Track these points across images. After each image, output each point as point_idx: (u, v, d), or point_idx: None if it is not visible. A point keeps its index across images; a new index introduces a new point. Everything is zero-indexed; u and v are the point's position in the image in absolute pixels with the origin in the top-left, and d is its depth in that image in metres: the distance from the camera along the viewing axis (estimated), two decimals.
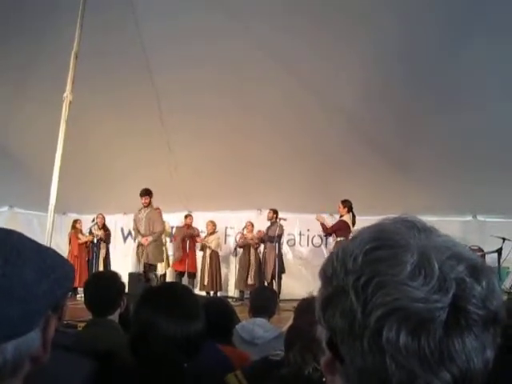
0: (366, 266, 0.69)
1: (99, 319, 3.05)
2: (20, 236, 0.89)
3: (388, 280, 0.66)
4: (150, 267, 10.38)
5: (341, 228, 9.11)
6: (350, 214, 9.35)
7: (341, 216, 9.47)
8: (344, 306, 0.69)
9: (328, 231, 9.69)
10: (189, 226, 12.16)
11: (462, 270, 0.67)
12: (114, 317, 3.08)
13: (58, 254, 0.95)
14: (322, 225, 9.66)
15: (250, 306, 4.27)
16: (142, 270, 10.35)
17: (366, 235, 0.73)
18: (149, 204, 10.53)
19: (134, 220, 10.77)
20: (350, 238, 0.77)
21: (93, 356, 2.13)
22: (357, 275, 0.68)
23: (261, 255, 11.61)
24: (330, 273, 0.74)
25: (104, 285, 3.13)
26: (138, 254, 10.59)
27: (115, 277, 3.28)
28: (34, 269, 0.83)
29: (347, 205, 9.35)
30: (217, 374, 2.44)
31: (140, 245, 10.45)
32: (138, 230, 10.60)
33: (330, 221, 10.21)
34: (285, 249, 12.10)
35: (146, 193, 10.42)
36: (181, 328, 1.88)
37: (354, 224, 9.31)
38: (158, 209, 10.94)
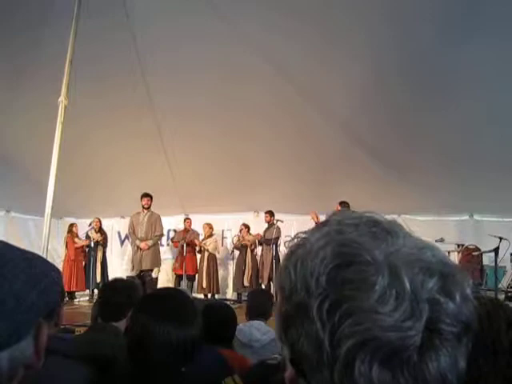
0: (330, 288, 0.64)
1: (103, 324, 3.07)
2: (5, 246, 0.89)
3: (356, 307, 0.62)
4: (145, 272, 10.33)
5: None
6: None
7: None
8: (309, 331, 0.65)
9: None
10: (187, 229, 12.14)
11: (434, 284, 0.63)
12: (120, 325, 3.08)
13: (45, 261, 0.94)
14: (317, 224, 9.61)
15: (247, 309, 4.27)
16: (135, 273, 10.27)
17: (329, 250, 0.67)
18: (149, 206, 10.58)
19: (132, 223, 10.72)
20: (303, 244, 0.72)
21: (90, 362, 2.14)
22: (321, 299, 0.64)
23: (258, 258, 11.61)
24: (288, 287, 0.70)
25: (120, 291, 3.12)
26: (134, 258, 10.52)
27: (135, 288, 3.28)
28: (22, 279, 0.83)
29: (345, 206, 9.34)
30: (215, 378, 2.45)
31: (138, 249, 10.43)
32: (134, 234, 10.56)
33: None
34: (282, 250, 12.08)
35: (149, 195, 10.58)
36: (177, 333, 1.88)
37: None
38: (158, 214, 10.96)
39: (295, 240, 0.76)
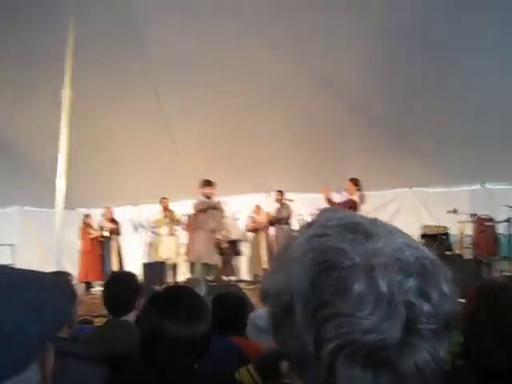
0: (312, 293, 0.67)
1: (115, 320, 3.12)
2: (10, 273, 0.88)
3: (336, 312, 0.65)
4: None
5: (350, 206, 9.02)
6: (359, 192, 9.31)
7: (350, 195, 9.42)
8: (295, 333, 0.69)
9: (336, 207, 9.54)
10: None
11: (411, 286, 0.65)
12: (131, 317, 3.14)
13: (54, 285, 0.94)
14: (328, 199, 9.53)
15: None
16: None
17: (310, 257, 0.70)
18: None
19: (201, 211, 9.45)
20: (289, 248, 0.75)
21: (104, 361, 2.16)
22: (304, 303, 0.68)
23: (272, 238, 11.61)
24: (275, 289, 0.73)
25: (120, 286, 3.18)
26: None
27: (132, 278, 3.35)
28: (26, 309, 0.82)
29: (356, 183, 9.28)
30: (230, 369, 2.47)
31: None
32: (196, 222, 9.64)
33: (339, 198, 10.16)
34: (294, 229, 12.04)
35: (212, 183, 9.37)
36: (187, 331, 1.90)
37: (363, 203, 9.29)
38: None
39: (285, 242, 0.79)
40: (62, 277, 2.93)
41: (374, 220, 0.76)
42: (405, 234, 0.75)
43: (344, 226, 0.72)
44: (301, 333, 0.68)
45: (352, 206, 9.01)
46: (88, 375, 2.00)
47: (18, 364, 0.81)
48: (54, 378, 0.92)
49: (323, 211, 0.81)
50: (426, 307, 0.65)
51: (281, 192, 11.31)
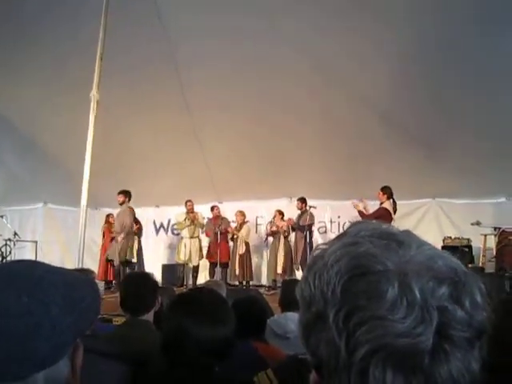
0: (344, 298, 0.68)
1: (133, 319, 3.12)
2: (45, 269, 0.91)
3: (369, 316, 0.65)
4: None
5: (382, 215, 8.84)
6: (391, 200, 9.21)
7: (381, 203, 9.31)
8: (327, 339, 0.69)
9: (368, 218, 9.43)
10: (217, 217, 12.17)
11: (443, 292, 0.66)
12: (149, 316, 3.14)
13: (84, 284, 0.96)
14: (360, 212, 9.44)
15: (280, 301, 4.19)
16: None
17: (343, 263, 0.70)
18: (123, 203, 10.91)
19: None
20: (321, 256, 0.75)
21: (125, 359, 2.18)
22: (336, 308, 0.68)
23: (291, 244, 11.56)
24: (308, 297, 0.74)
25: (137, 286, 3.19)
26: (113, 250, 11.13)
27: (148, 277, 3.35)
28: (59, 304, 0.85)
29: (387, 191, 9.16)
30: (249, 374, 2.46)
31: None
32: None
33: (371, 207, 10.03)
34: (316, 236, 11.96)
35: (121, 192, 10.90)
36: (210, 333, 1.90)
37: (395, 211, 9.21)
38: (130, 208, 11.11)
39: (317, 251, 0.79)
40: (85, 274, 2.95)
41: (407, 231, 0.77)
42: (436, 248, 0.75)
43: (377, 236, 0.74)
44: (333, 338, 0.68)
45: (384, 214, 8.88)
46: (112, 373, 2.01)
47: (51, 357, 0.83)
48: (80, 374, 0.95)
49: (356, 223, 0.82)
50: (460, 313, 0.66)
51: (302, 199, 11.26)
